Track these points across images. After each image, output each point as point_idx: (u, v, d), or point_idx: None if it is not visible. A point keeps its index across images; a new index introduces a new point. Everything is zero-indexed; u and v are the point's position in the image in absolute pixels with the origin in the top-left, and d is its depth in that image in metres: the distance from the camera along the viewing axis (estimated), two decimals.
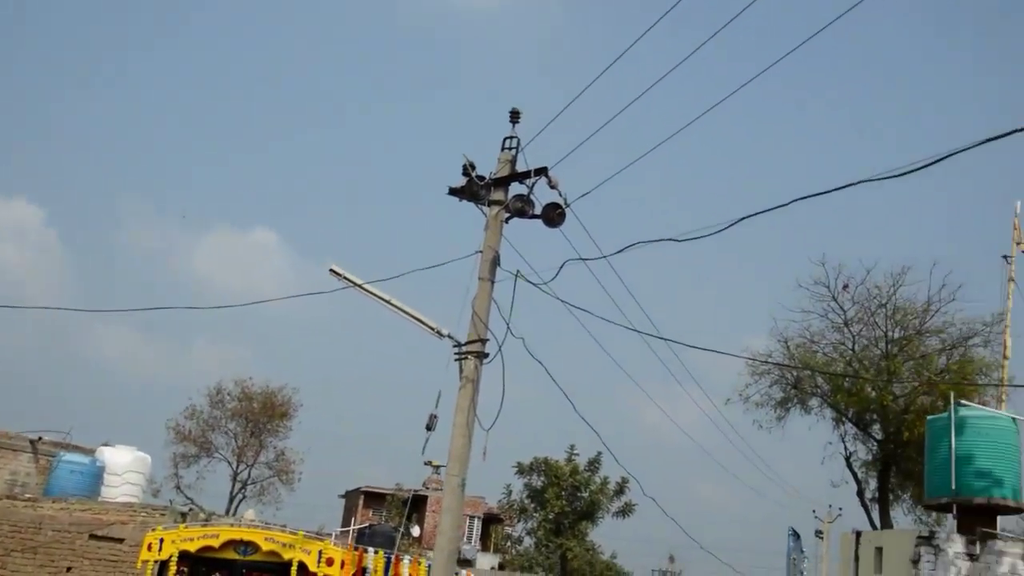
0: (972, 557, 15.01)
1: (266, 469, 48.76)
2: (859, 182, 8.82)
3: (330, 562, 13.21)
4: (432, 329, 11.92)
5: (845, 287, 34.12)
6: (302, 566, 13.21)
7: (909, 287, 33.87)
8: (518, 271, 11.78)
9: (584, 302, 12.51)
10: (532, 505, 41.96)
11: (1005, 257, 27.73)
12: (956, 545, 15.13)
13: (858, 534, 16.83)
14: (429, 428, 11.40)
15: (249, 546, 13.74)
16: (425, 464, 32.46)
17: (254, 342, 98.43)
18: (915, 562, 14.82)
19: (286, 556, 13.31)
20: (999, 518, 16.67)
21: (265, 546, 13.49)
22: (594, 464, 41.71)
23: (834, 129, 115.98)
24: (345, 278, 12.03)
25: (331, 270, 12.02)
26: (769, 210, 10.07)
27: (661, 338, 13.73)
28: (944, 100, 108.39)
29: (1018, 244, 27.42)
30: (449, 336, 11.74)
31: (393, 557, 14.64)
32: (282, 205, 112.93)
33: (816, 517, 41.04)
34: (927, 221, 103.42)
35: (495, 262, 11.76)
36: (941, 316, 33.43)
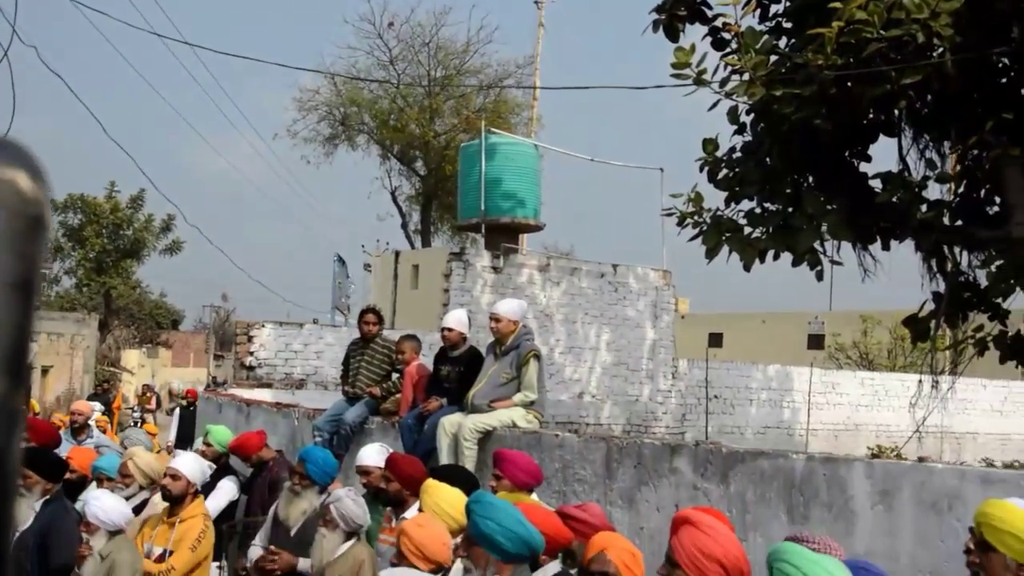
0: (496, 270, 16.50)
1: None
2: None
3: None
4: None
5: (390, 25, 34.57)
6: None
7: (451, 27, 35.21)
8: None
9: (114, 7, 11.51)
10: (70, 244, 39.75)
11: (536, 3, 29.33)
12: (483, 260, 16.49)
13: (397, 253, 17.76)
14: None
15: None
16: None
17: None
18: (447, 276, 16.04)
19: None
20: (524, 236, 18.40)
21: None
22: (137, 201, 40.02)
23: None
24: None
25: None
26: None
27: (186, 43, 13.07)
28: None
29: None
30: None
31: None
32: None
33: (365, 252, 42.95)
34: None
35: None
36: (480, 57, 35.28)
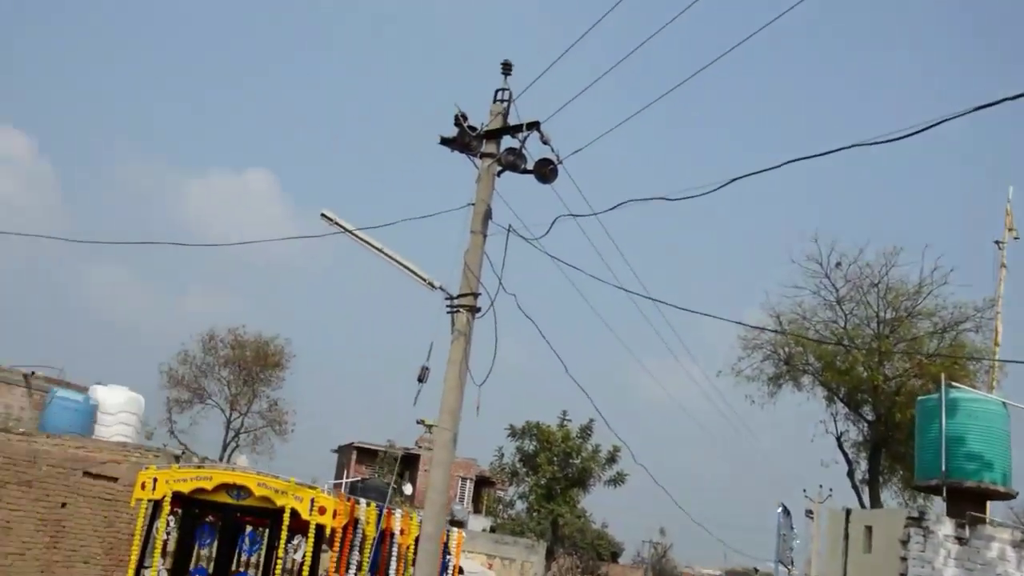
0: (961, 540, 15.03)
1: (259, 419, 48.73)
2: (851, 146, 8.82)
3: (322, 511, 13.11)
4: (424, 280, 11.79)
5: (838, 265, 34.11)
6: (294, 513, 13.10)
7: (901, 268, 33.84)
8: (510, 226, 11.65)
9: (578, 260, 12.43)
10: (524, 469, 42.03)
11: (997, 243, 27.50)
12: (946, 528, 15.14)
13: (848, 512, 16.85)
14: (421, 380, 11.33)
15: (242, 490, 13.65)
16: (417, 423, 32.49)
17: (246, 290, 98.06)
18: (904, 543, 14.85)
19: (279, 502, 13.21)
20: (990, 504, 16.68)
21: (258, 491, 13.39)
22: (586, 431, 41.78)
23: (842, 95, 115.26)
24: (337, 223, 11.88)
25: (323, 215, 11.87)
26: (761, 172, 10.03)
27: (649, 298, 13.68)
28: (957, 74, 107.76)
29: (1010, 230, 27.23)
30: (441, 288, 11.63)
31: (385, 510, 14.64)
32: (278, 152, 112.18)
33: (807, 497, 40.95)
34: (922, 201, 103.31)
35: (487, 215, 11.64)
36: (933, 299, 33.38)
